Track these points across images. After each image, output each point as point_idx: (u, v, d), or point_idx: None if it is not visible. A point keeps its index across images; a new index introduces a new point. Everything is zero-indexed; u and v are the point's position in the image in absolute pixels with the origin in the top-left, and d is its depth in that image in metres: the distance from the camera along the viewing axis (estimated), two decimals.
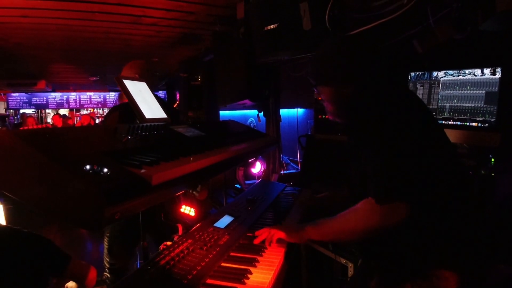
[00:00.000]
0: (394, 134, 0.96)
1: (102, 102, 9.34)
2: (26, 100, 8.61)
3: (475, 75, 1.59)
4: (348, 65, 1.11)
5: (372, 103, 1.05)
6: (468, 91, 1.61)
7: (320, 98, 1.25)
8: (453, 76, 1.69)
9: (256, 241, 1.27)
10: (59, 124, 7.08)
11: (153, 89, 2.28)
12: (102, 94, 9.24)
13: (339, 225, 1.07)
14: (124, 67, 2.21)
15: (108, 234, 2.03)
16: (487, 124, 1.52)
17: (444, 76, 1.73)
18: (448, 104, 1.70)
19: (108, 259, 2.03)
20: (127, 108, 2.02)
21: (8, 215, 1.86)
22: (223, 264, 1.13)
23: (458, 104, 1.65)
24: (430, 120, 1.10)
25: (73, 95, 9.01)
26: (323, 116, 2.41)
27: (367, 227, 0.98)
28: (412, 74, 1.88)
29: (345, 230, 1.06)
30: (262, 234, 1.28)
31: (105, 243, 2.04)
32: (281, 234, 1.24)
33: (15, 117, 8.86)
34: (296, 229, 1.23)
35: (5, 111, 8.72)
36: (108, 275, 2.00)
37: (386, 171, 0.94)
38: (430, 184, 0.96)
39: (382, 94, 1.07)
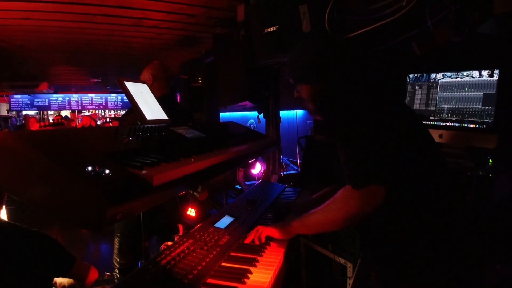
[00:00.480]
0: (363, 123, 1.00)
1: (104, 104, 9.39)
2: (28, 102, 8.67)
3: (473, 77, 1.60)
4: (318, 63, 1.15)
5: (342, 99, 1.09)
6: (466, 93, 1.62)
7: (299, 96, 1.28)
8: (451, 78, 1.70)
9: (246, 241, 1.30)
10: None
11: (169, 89, 2.31)
12: (103, 95, 9.28)
13: (322, 216, 1.10)
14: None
15: (119, 235, 2.05)
16: (484, 126, 1.52)
17: (442, 78, 1.74)
18: (446, 106, 1.71)
19: (118, 259, 2.05)
20: None
21: (10, 216, 1.88)
22: (223, 264, 1.13)
23: (456, 106, 1.66)
24: (406, 116, 1.13)
25: (74, 97, 9.06)
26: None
27: (348, 214, 1.00)
28: (411, 76, 1.89)
29: (328, 220, 1.09)
30: (251, 234, 1.31)
31: (116, 243, 2.06)
32: (270, 232, 1.28)
33: (18, 119, 8.90)
34: (284, 225, 1.27)
35: (8, 113, 8.76)
36: (118, 275, 2.03)
37: (358, 157, 0.97)
38: (406, 169, 0.98)
39: (353, 91, 1.11)
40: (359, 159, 0.97)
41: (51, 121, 9.10)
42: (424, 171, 1.02)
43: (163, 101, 1.67)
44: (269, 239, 1.30)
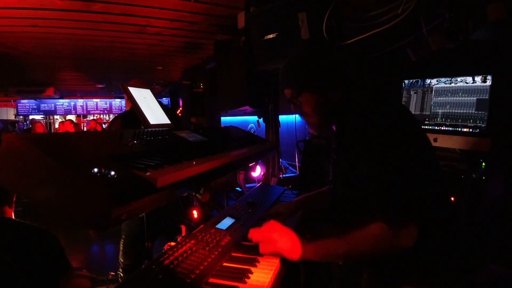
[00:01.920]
0: (396, 148, 0.89)
1: (108, 109, 9.48)
2: (35, 107, 8.79)
3: (467, 83, 1.63)
4: (335, 68, 1.02)
5: (365, 109, 0.98)
6: (460, 98, 1.65)
7: (297, 111, 1.12)
8: (446, 84, 1.73)
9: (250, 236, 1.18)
10: (71, 130, 7.23)
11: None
12: (108, 100, 9.39)
13: (345, 248, 0.96)
14: None
15: (124, 237, 2.12)
16: (478, 130, 1.55)
17: (437, 84, 1.77)
18: (440, 110, 1.74)
19: (122, 260, 2.12)
20: (128, 116, 2.19)
21: (17, 217, 1.93)
22: (224, 264, 1.14)
23: (450, 111, 1.69)
24: (419, 128, 1.04)
25: (80, 102, 9.17)
26: None
27: (379, 251, 0.92)
28: (406, 81, 1.93)
29: (352, 254, 0.96)
30: (257, 232, 1.16)
31: (121, 245, 2.13)
32: (279, 250, 1.09)
33: (25, 123, 9.02)
34: (297, 247, 1.05)
35: (15, 117, 8.88)
36: (121, 274, 2.09)
37: (397, 192, 0.87)
38: (431, 198, 0.93)
39: (374, 100, 1.01)
40: (399, 195, 0.87)
41: (57, 126, 9.21)
42: (438, 194, 0.97)
43: None
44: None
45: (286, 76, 1.11)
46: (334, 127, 1.11)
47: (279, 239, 1.08)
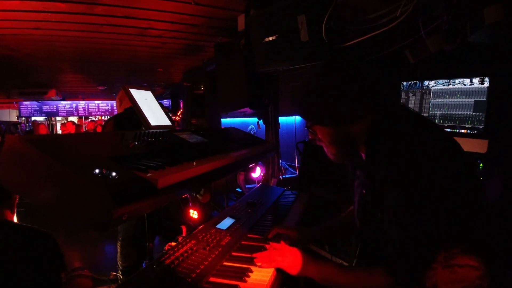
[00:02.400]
0: (434, 193, 0.79)
1: (110, 110, 9.51)
2: (37, 108, 8.82)
3: (465, 84, 1.64)
4: (346, 102, 0.90)
5: (394, 144, 0.85)
6: (458, 100, 1.66)
7: (315, 139, 1.04)
8: (444, 85, 1.74)
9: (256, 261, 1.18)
10: (73, 131, 7.27)
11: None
12: (109, 102, 9.41)
13: (347, 280, 0.96)
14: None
15: (120, 239, 2.13)
16: (475, 131, 1.56)
17: (435, 85, 1.79)
18: (438, 112, 1.75)
19: (121, 262, 2.13)
20: (121, 117, 2.23)
21: (19, 218, 1.94)
22: (225, 263, 1.15)
23: (448, 112, 1.70)
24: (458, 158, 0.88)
25: (82, 104, 9.20)
26: None
27: None
28: (405, 83, 1.94)
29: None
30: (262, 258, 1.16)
31: (118, 247, 2.14)
32: (280, 265, 1.12)
33: (27, 125, 9.06)
34: (297, 263, 1.08)
35: (17, 119, 8.92)
36: (121, 276, 2.10)
37: (416, 255, 0.81)
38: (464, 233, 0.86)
39: (402, 132, 0.86)
40: (417, 257, 0.81)
41: (58, 127, 9.26)
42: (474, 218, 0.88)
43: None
44: (268, 240, 1.32)
45: (298, 105, 1.04)
46: (363, 154, 1.02)
47: (282, 257, 1.12)
